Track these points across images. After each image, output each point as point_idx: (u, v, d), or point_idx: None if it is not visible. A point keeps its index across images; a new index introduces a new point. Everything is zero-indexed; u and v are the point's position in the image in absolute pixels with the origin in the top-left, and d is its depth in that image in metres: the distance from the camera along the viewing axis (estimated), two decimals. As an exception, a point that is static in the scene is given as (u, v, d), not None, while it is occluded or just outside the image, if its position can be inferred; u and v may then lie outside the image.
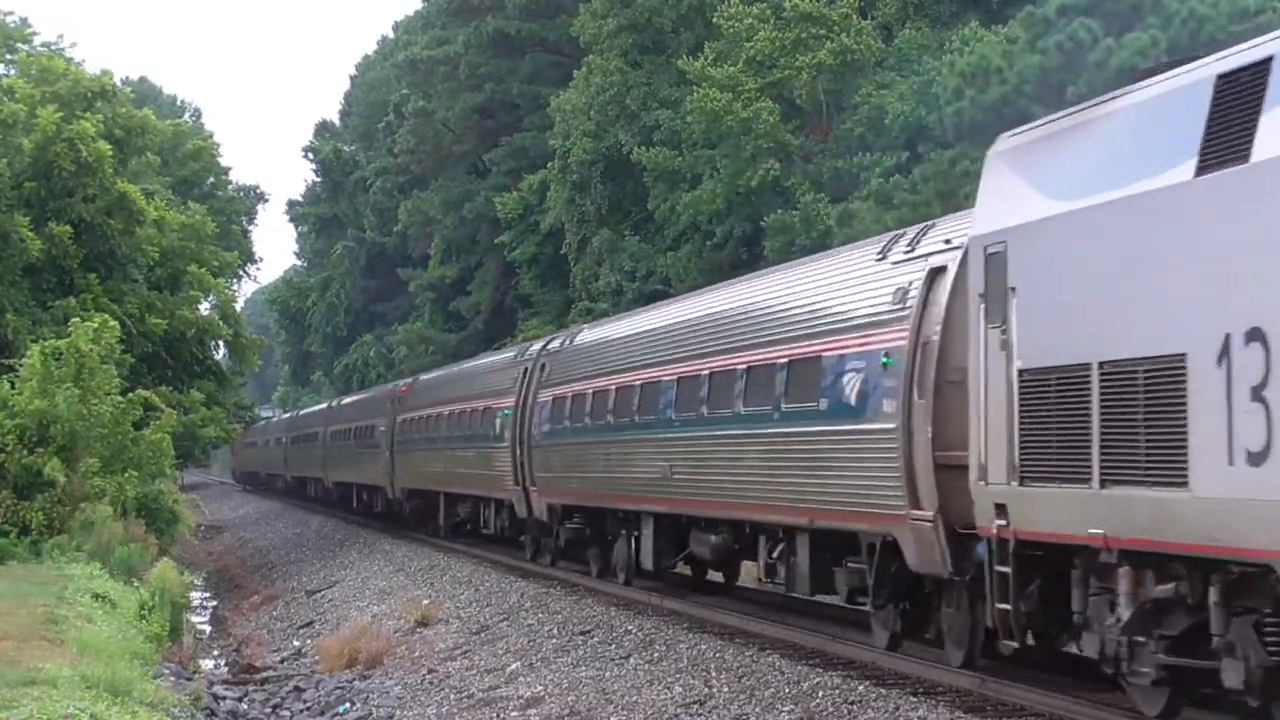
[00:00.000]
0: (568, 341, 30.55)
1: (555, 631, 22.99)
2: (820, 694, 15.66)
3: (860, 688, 15.50)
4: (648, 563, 24.50)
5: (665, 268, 50.43)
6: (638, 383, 24.59)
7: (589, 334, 30.05)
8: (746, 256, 46.79)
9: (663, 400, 23.04)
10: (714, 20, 49.51)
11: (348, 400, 61.34)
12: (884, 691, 15.21)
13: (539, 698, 18.90)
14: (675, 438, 22.48)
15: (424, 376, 48.79)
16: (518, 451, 30.56)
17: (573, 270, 59.64)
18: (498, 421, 32.79)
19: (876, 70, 45.54)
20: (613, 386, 25.78)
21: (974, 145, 33.88)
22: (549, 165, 61.60)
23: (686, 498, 22.32)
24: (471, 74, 71.99)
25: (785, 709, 15.50)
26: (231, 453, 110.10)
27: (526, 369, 31.38)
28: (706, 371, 21.65)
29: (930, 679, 15.55)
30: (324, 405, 65.69)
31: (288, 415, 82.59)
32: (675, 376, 22.97)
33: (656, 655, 19.53)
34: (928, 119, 39.87)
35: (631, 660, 19.66)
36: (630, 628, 21.70)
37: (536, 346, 32.84)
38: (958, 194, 32.03)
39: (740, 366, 20.38)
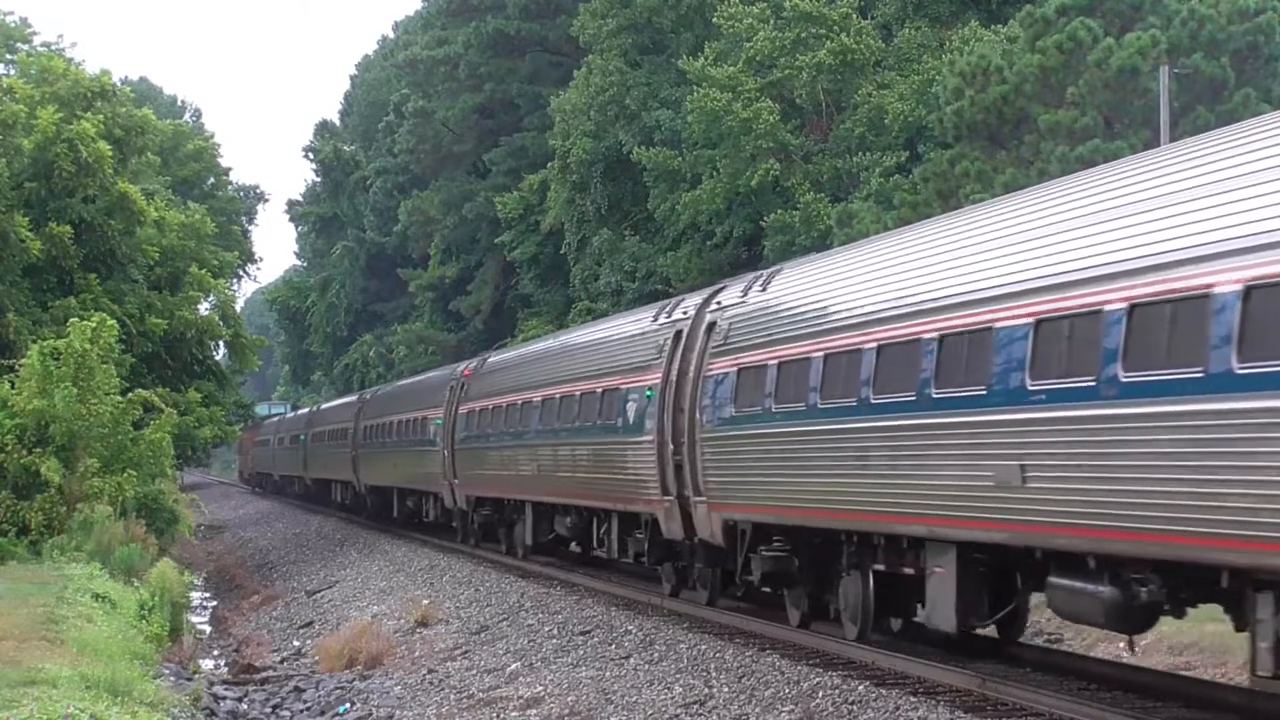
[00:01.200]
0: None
1: (555, 631, 22.99)
2: (820, 694, 15.66)
3: (860, 688, 15.50)
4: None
5: (665, 268, 50.47)
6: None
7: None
8: (746, 256, 46.84)
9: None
10: (714, 20, 49.55)
11: (386, 390, 54.52)
12: (884, 691, 15.21)
13: (539, 698, 18.90)
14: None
15: (495, 356, 40.06)
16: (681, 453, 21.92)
17: (573, 270, 59.69)
18: (631, 406, 24.19)
19: (876, 70, 45.58)
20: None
21: (974, 145, 33.93)
22: (549, 165, 61.65)
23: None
24: (471, 74, 72.06)
25: (785, 709, 15.50)
26: (238, 451, 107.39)
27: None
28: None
29: (930, 679, 15.55)
30: (353, 397, 60.18)
31: (306, 410, 75.81)
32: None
33: (656, 655, 19.53)
34: (928, 119, 39.89)
35: (631, 660, 19.66)
36: (630, 628, 21.70)
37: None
38: (957, 194, 32.06)
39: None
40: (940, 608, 15.29)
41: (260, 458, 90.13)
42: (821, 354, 17.29)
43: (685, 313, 22.52)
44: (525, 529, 31.26)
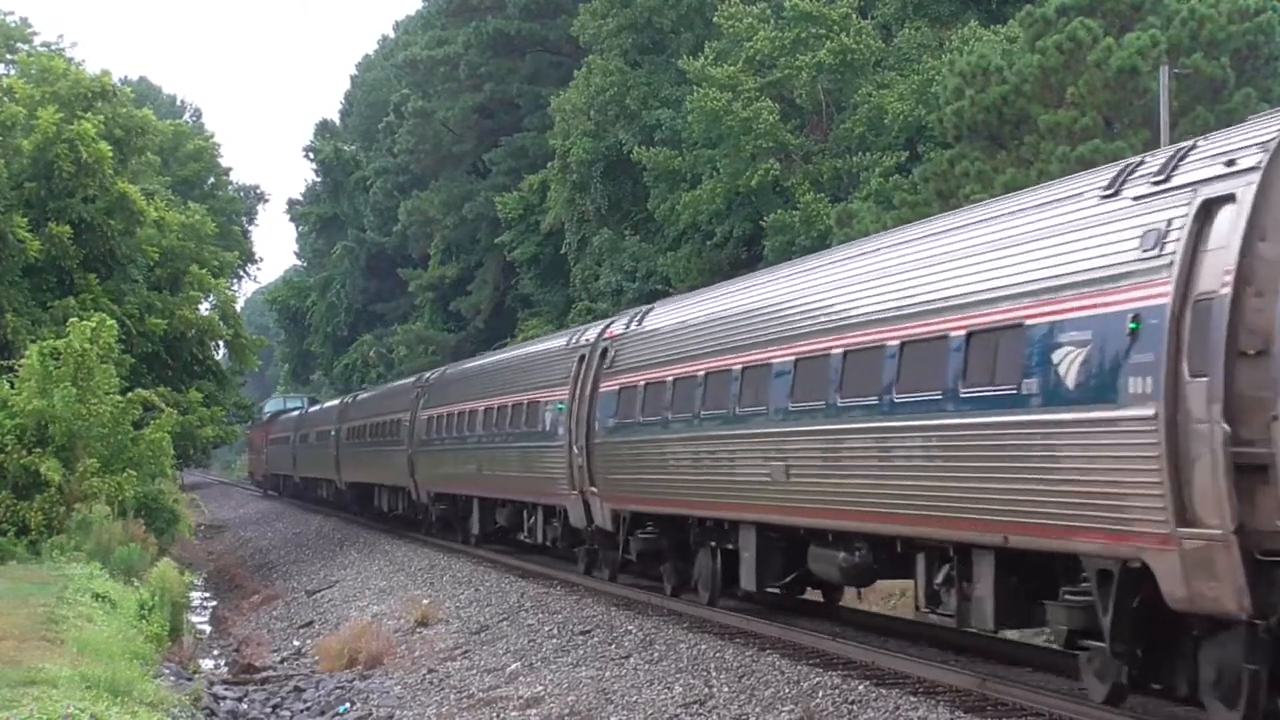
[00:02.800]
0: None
1: (555, 631, 22.99)
2: (820, 694, 15.67)
3: (860, 687, 15.51)
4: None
5: (665, 268, 50.47)
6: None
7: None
8: (746, 256, 46.84)
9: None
10: (714, 20, 49.55)
11: (458, 370, 41.49)
12: (884, 691, 15.21)
13: (539, 698, 18.90)
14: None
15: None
16: None
17: (573, 270, 59.68)
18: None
19: (876, 70, 45.58)
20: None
21: (974, 145, 33.91)
22: (549, 165, 61.65)
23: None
24: (471, 74, 72.06)
25: (785, 709, 15.50)
26: (248, 450, 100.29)
27: None
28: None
29: (930, 679, 15.55)
30: (408, 381, 48.89)
31: (336, 403, 63.57)
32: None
33: (656, 655, 19.53)
34: (928, 119, 39.88)
35: (631, 660, 19.66)
36: (630, 628, 21.70)
37: None
38: (957, 194, 32.04)
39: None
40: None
41: (277, 457, 79.58)
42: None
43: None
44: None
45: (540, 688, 19.39)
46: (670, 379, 22.15)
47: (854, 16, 45.62)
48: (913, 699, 14.74)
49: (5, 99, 41.17)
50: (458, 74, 72.90)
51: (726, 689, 16.88)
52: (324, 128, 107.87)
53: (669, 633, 20.70)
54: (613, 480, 24.86)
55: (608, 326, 26.78)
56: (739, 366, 19.60)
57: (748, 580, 19.95)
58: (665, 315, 24.44)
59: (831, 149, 45.83)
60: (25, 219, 38.51)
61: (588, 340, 27.27)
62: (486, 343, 65.01)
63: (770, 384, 18.50)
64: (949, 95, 34.68)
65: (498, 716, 18.60)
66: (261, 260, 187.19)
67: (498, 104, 72.92)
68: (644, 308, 26.22)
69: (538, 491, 29.63)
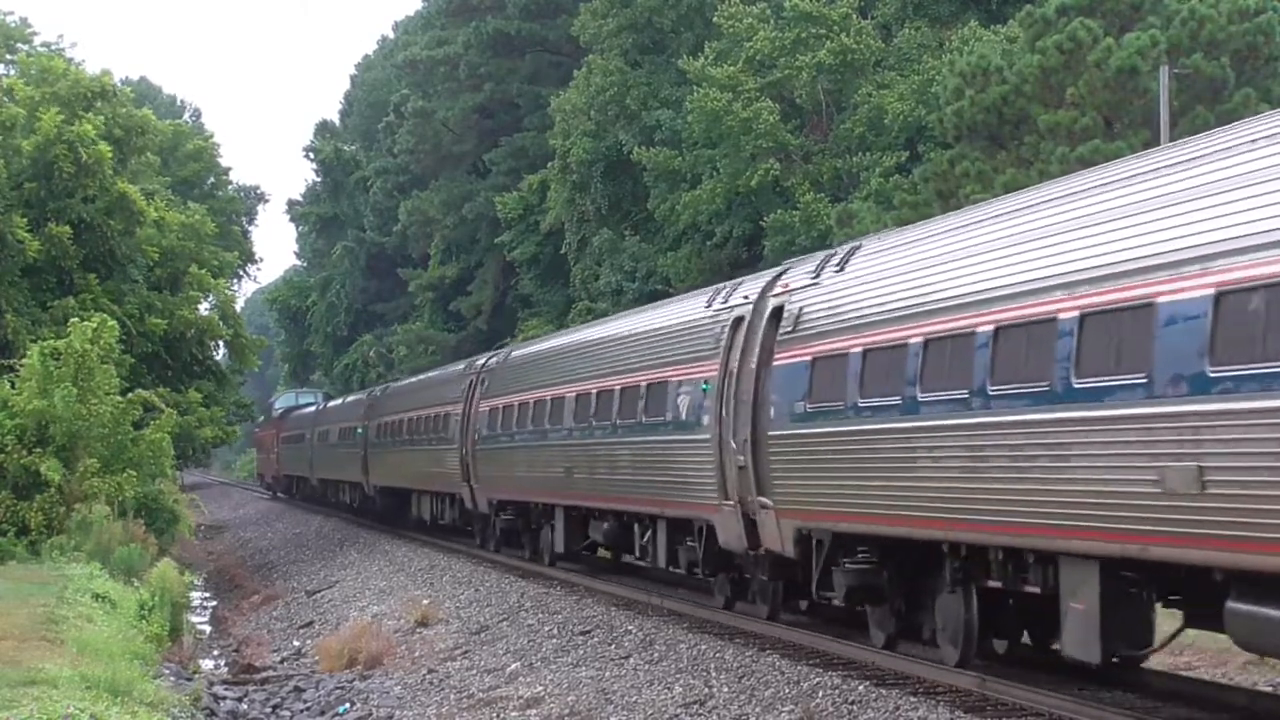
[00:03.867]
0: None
1: (555, 631, 22.98)
2: (820, 694, 15.66)
3: (860, 688, 15.50)
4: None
5: (665, 268, 50.47)
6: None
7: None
8: (746, 256, 46.84)
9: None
10: (714, 20, 49.57)
11: (531, 351, 33.93)
12: (884, 691, 15.20)
13: (539, 698, 18.90)
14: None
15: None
16: None
17: (573, 270, 59.69)
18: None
19: (876, 70, 45.60)
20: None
21: (974, 145, 33.92)
22: (549, 165, 61.67)
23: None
24: (471, 74, 72.07)
25: (785, 709, 15.49)
26: (257, 449, 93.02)
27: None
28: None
29: (930, 679, 15.54)
30: (457, 367, 41.30)
31: (362, 395, 56.25)
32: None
33: (656, 655, 19.53)
34: (928, 119, 39.90)
35: (631, 660, 19.66)
36: (630, 628, 21.69)
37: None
38: (957, 194, 32.05)
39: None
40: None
41: (290, 457, 71.91)
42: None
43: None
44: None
45: (540, 688, 19.39)
46: (919, 338, 14.95)
47: (854, 16, 45.64)
48: (913, 699, 14.73)
49: (5, 99, 41.16)
50: (458, 74, 72.91)
51: (726, 689, 16.87)
52: (324, 128, 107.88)
53: (669, 633, 20.69)
54: (800, 489, 17.88)
55: (778, 277, 19.84)
56: (1074, 313, 12.57)
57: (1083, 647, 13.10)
58: (893, 250, 17.05)
59: (831, 149, 45.85)
60: (25, 219, 38.49)
61: (747, 297, 20.32)
62: (487, 343, 64.98)
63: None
64: (949, 95, 34.69)
65: (498, 716, 18.60)
66: (261, 260, 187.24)
67: (498, 104, 72.93)
68: (841, 249, 19.03)
69: (661, 501, 22.76)
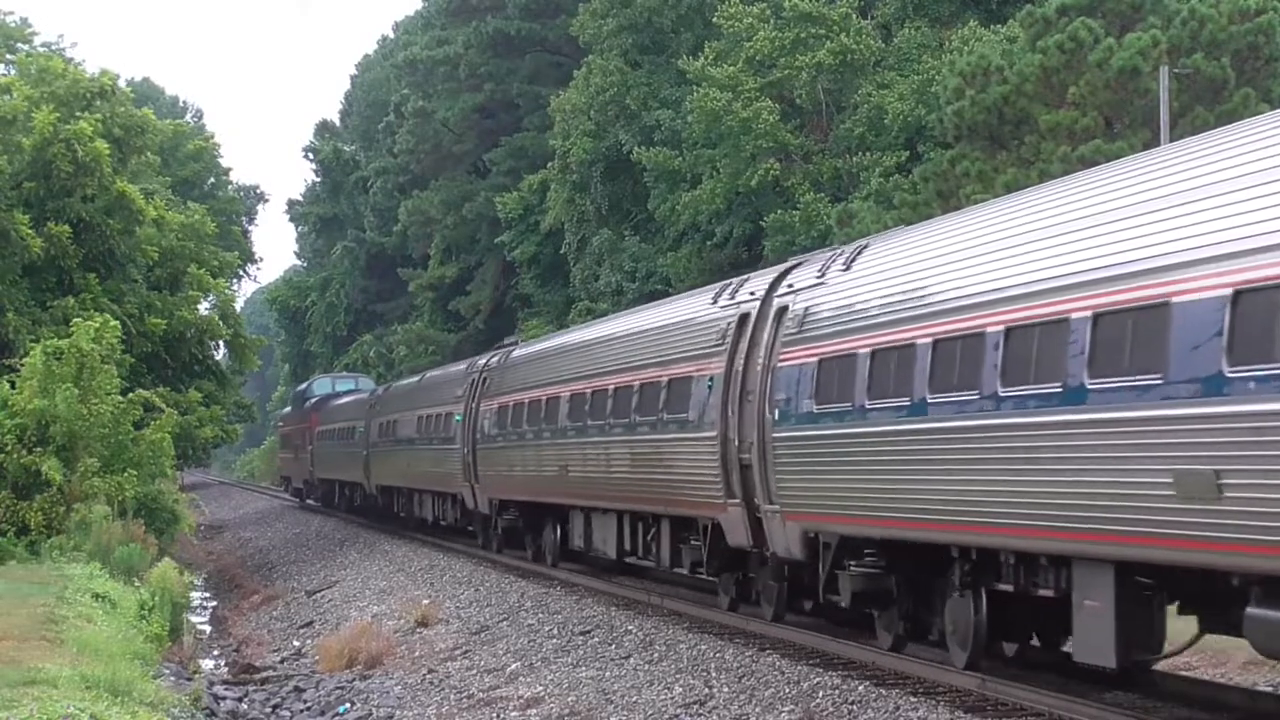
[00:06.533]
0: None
1: (555, 631, 22.98)
2: (820, 694, 15.65)
3: (860, 688, 15.49)
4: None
5: (665, 268, 50.49)
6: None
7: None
8: (746, 256, 46.85)
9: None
10: (714, 20, 49.58)
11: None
12: (884, 691, 15.20)
13: (539, 698, 18.89)
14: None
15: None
16: None
17: (573, 270, 59.71)
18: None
19: (876, 70, 45.61)
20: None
21: (974, 145, 33.92)
22: (549, 165, 61.70)
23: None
24: (471, 74, 72.09)
25: (785, 709, 15.49)
26: (280, 445, 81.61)
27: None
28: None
29: (930, 679, 15.53)
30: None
31: (459, 367, 38.69)
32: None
33: (656, 655, 19.52)
34: (928, 119, 39.91)
35: (631, 660, 19.65)
36: (630, 628, 21.69)
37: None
38: (957, 194, 32.04)
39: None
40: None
41: (327, 457, 59.79)
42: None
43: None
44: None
45: (540, 688, 19.38)
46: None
47: (854, 16, 45.65)
48: (913, 699, 14.73)
49: (5, 96, 41.15)
50: (458, 74, 72.94)
51: (726, 689, 16.87)
52: (324, 128, 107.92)
53: (669, 633, 20.68)
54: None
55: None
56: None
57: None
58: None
59: (831, 149, 45.86)
60: (27, 218, 38.48)
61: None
62: (487, 343, 64.92)
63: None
64: (949, 95, 34.69)
65: (498, 716, 18.59)
66: (261, 260, 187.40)
67: (498, 104, 72.96)
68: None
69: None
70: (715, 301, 21.20)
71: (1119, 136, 31.10)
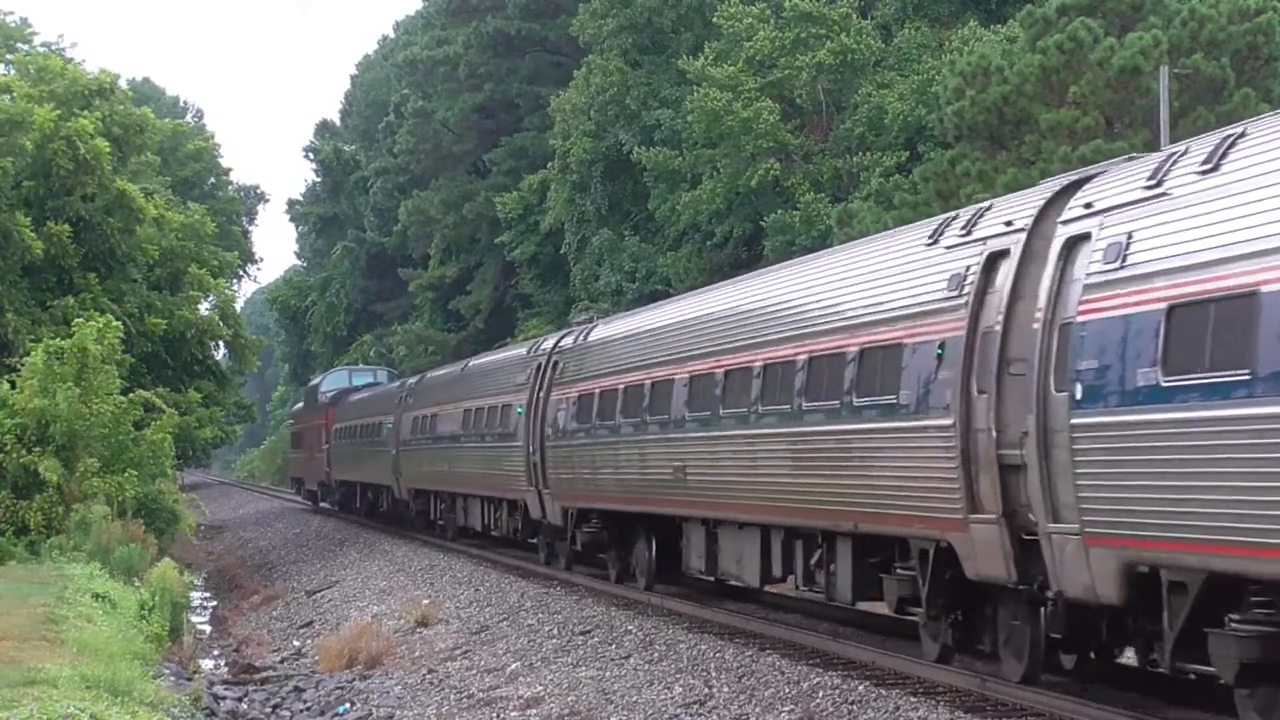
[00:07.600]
0: None
1: (555, 631, 22.98)
2: (820, 694, 15.65)
3: (860, 688, 15.49)
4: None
5: (665, 268, 50.46)
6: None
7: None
8: (746, 256, 46.83)
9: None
10: (714, 20, 49.57)
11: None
12: (884, 692, 15.20)
13: (539, 698, 18.89)
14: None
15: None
16: None
17: (573, 270, 59.70)
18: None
19: (876, 70, 45.60)
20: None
21: (974, 145, 33.91)
22: (549, 165, 61.68)
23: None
24: (471, 74, 72.07)
25: (785, 709, 15.48)
26: (293, 444, 76.42)
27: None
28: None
29: (930, 679, 15.53)
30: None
31: (518, 352, 34.41)
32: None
33: (656, 655, 19.53)
34: (928, 119, 39.90)
35: (631, 660, 19.65)
36: (630, 628, 21.69)
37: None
38: (958, 194, 32.03)
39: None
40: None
41: (347, 457, 54.91)
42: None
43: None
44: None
45: (540, 688, 19.38)
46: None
47: (854, 16, 45.64)
48: (913, 699, 14.73)
49: (4, 97, 41.14)
50: (458, 74, 72.92)
51: (726, 689, 16.87)
52: (324, 128, 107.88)
53: (669, 633, 20.68)
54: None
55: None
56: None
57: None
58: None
59: (831, 149, 45.84)
60: (27, 218, 38.47)
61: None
62: (486, 343, 64.95)
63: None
64: (949, 95, 34.68)
65: (498, 716, 18.59)
66: (261, 260, 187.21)
67: (498, 104, 72.94)
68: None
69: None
70: (937, 240, 16.20)
71: (1119, 136, 31.10)
